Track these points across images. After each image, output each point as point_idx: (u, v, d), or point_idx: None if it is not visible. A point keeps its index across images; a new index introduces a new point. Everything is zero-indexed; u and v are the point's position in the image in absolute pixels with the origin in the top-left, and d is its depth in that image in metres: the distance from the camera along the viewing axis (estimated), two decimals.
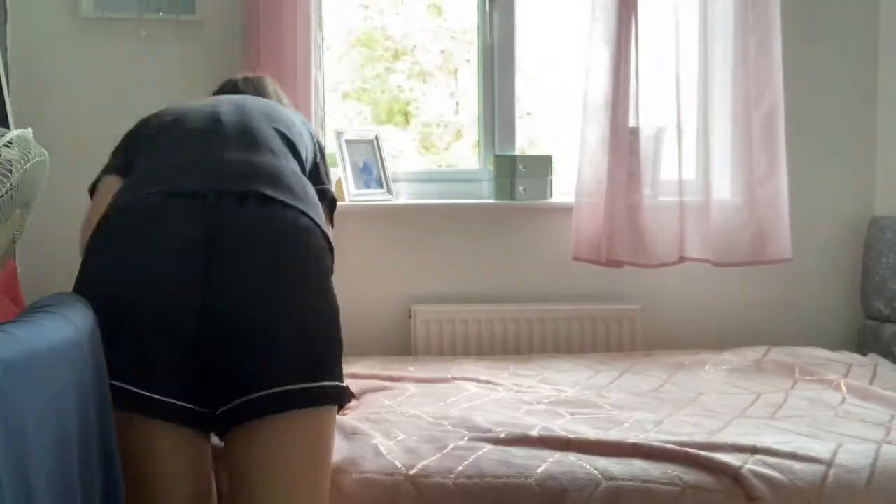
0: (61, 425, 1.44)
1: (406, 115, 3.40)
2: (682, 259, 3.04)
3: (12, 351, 1.33)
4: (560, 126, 3.35)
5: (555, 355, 2.89)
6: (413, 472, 1.86)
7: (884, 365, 2.77)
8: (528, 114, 3.36)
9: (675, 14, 3.00)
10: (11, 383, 1.30)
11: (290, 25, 2.85)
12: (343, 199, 3.03)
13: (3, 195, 1.40)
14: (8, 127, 2.54)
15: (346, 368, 2.66)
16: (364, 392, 2.46)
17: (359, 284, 3.07)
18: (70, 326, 1.49)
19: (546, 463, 1.89)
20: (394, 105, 3.38)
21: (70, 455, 1.46)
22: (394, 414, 2.23)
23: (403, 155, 3.38)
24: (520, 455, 1.92)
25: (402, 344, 3.05)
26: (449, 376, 2.58)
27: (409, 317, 3.04)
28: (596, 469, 1.87)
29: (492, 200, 3.14)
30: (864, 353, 2.99)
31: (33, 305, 1.55)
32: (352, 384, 2.54)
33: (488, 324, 3.02)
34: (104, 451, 1.59)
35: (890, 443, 2.03)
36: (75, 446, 1.47)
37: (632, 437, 2.01)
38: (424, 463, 1.89)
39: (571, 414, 2.24)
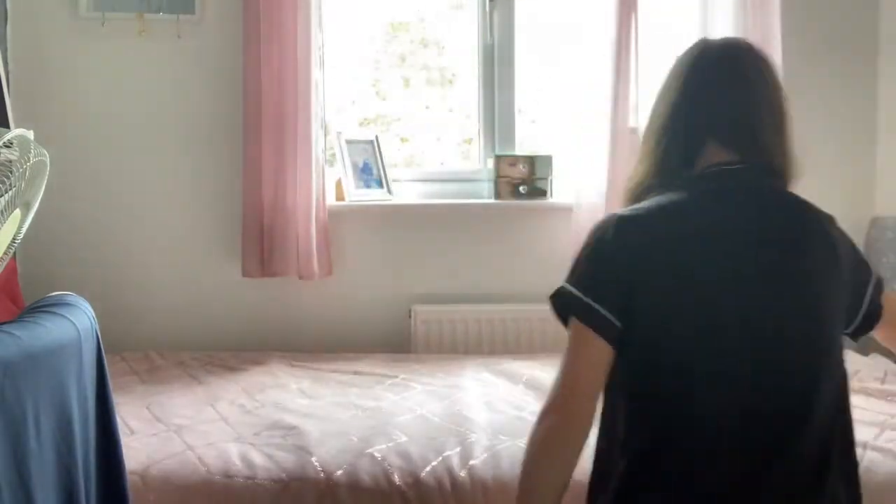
0: (61, 426, 1.43)
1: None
2: None
3: (12, 351, 1.33)
4: (560, 126, 3.34)
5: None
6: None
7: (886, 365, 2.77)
8: (532, 122, 3.35)
9: (676, 14, 2.99)
10: (11, 383, 1.30)
11: (290, 25, 2.85)
12: (343, 199, 3.04)
13: (3, 195, 1.39)
14: (8, 127, 2.54)
15: (348, 367, 2.70)
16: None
17: (359, 284, 3.07)
18: (70, 326, 1.49)
19: None
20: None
21: (70, 456, 1.45)
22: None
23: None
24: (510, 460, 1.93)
25: (402, 344, 3.04)
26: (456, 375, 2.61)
27: (409, 317, 3.04)
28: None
29: (492, 200, 3.13)
30: (864, 354, 2.99)
31: (33, 305, 1.55)
32: (353, 384, 2.55)
33: (488, 323, 3.02)
34: (106, 453, 1.59)
35: (874, 448, 2.02)
36: (76, 447, 1.47)
37: None
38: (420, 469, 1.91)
39: None
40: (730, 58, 1.47)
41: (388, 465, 1.91)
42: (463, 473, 1.88)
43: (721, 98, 1.44)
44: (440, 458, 1.93)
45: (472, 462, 1.92)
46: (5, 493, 1.26)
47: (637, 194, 1.50)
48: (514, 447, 1.98)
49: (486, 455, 1.95)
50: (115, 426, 1.63)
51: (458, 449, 1.98)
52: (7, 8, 2.91)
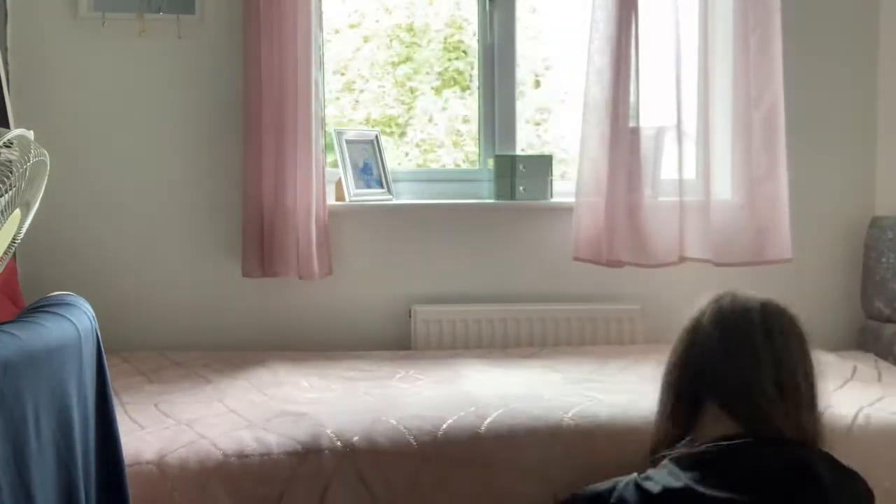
0: (62, 426, 1.43)
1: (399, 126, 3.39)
2: (682, 259, 3.04)
3: (12, 351, 1.33)
4: (561, 126, 3.34)
5: (564, 348, 2.91)
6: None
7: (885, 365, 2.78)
8: (532, 122, 3.36)
9: (675, 14, 2.99)
10: (11, 383, 1.30)
11: (290, 25, 2.85)
12: (343, 199, 3.04)
13: (3, 195, 1.39)
14: (8, 127, 2.54)
15: (351, 365, 2.69)
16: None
17: (359, 284, 3.07)
18: (70, 326, 1.49)
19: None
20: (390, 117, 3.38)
21: (70, 456, 1.45)
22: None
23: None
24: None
25: (402, 344, 3.04)
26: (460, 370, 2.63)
27: (409, 317, 3.04)
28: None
29: (492, 200, 3.13)
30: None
31: (33, 305, 1.55)
32: (358, 379, 2.55)
33: (488, 324, 3.02)
34: (106, 453, 1.59)
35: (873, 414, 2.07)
36: (76, 447, 1.47)
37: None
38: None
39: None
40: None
41: (404, 427, 1.93)
42: (482, 429, 1.91)
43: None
44: (455, 418, 1.96)
45: (488, 419, 1.96)
46: (5, 493, 1.26)
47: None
48: (526, 406, 2.04)
49: (501, 411, 1.99)
50: (115, 426, 1.63)
51: (472, 409, 2.02)
52: (7, 8, 2.90)
